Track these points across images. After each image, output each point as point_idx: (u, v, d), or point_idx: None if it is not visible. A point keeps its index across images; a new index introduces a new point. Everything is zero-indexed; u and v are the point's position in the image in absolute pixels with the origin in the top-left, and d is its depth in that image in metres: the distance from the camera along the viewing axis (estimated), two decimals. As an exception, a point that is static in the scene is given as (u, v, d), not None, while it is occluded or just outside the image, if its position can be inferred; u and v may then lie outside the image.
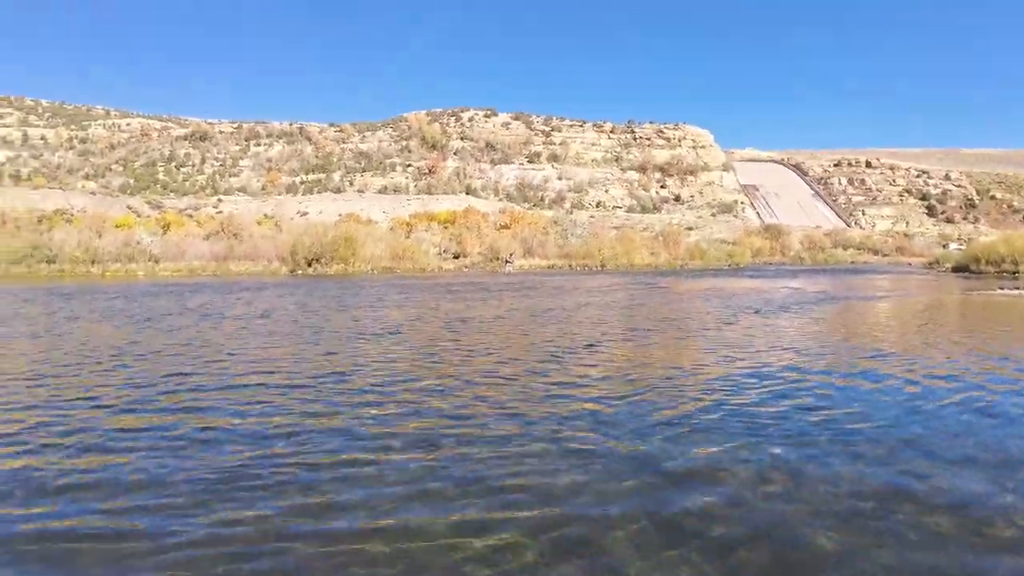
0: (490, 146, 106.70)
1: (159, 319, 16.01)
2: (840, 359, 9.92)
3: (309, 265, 43.08)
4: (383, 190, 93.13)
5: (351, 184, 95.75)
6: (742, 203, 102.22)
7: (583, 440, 5.67)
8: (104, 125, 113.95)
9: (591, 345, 11.34)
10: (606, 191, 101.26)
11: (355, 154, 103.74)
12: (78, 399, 7.52)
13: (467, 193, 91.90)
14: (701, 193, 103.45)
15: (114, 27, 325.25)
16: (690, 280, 34.50)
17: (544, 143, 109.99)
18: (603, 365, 9.46)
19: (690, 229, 77.71)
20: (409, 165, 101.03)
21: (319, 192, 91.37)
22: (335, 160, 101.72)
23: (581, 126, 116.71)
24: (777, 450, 5.41)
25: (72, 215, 54.16)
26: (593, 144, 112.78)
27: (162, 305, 19.58)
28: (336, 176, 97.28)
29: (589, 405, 6.92)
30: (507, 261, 46.06)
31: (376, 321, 15.20)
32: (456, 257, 53.40)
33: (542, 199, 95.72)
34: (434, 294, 23.58)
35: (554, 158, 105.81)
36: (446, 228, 62.38)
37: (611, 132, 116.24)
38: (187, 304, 19.98)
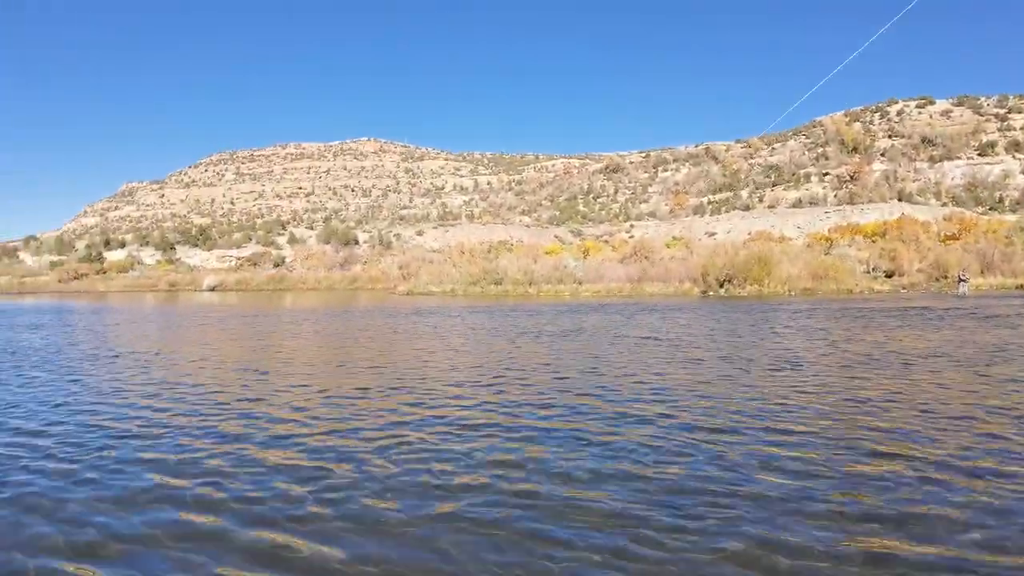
0: (927, 141, 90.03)
1: (573, 335, 16.31)
2: None
3: (721, 286, 41.05)
4: (796, 203, 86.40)
5: (760, 200, 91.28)
6: None
7: None
8: (534, 168, 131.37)
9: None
10: (1104, 182, 77.03)
11: (764, 168, 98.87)
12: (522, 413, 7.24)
13: (899, 199, 79.12)
14: None
15: (531, 83, 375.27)
16: None
17: (999, 129, 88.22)
18: None
19: None
20: (826, 173, 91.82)
21: (726, 211, 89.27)
22: (742, 177, 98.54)
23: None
24: None
25: (512, 245, 62.37)
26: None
27: (578, 322, 20.05)
28: (744, 193, 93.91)
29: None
30: (960, 279, 37.13)
31: (779, 351, 12.69)
32: (889, 276, 45.65)
33: (1001, 200, 77.01)
34: (854, 320, 19.22)
35: (1016, 147, 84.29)
36: (874, 242, 54.17)
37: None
38: (601, 322, 20.08)
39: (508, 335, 17.04)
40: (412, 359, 13.04)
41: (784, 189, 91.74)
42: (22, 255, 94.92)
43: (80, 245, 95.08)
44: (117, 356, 13.87)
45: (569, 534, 4.20)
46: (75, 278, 77.34)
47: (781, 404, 7.87)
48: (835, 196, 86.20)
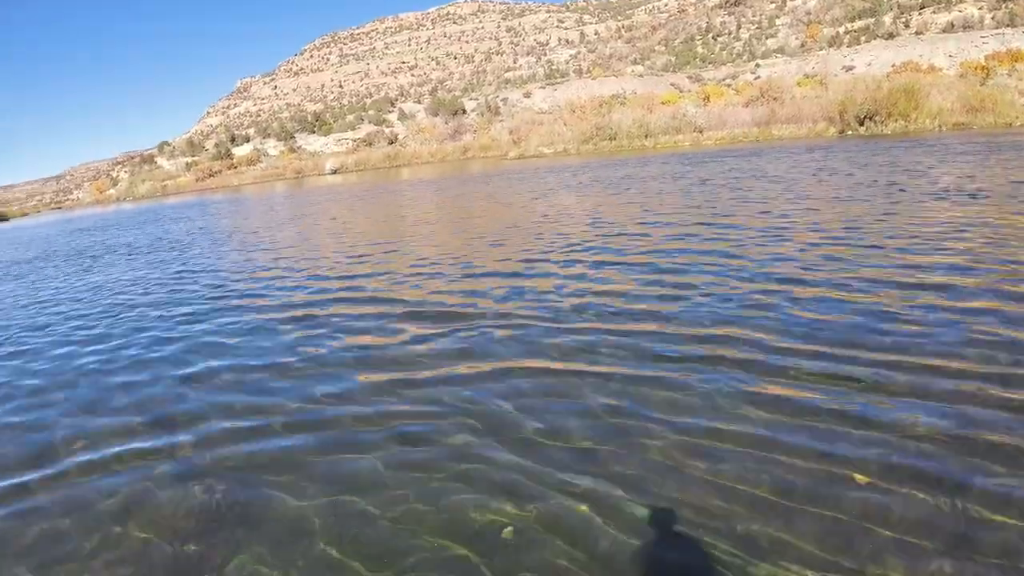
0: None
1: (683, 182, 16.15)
2: None
3: (861, 124, 36.93)
4: (948, 28, 74.69)
5: (906, 26, 79.69)
6: None
7: None
8: (645, 10, 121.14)
9: None
10: None
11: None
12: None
13: (1074, 16, 66.32)
14: None
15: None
16: None
17: None
18: None
19: None
20: (985, -11, 78.31)
21: (866, 41, 79.01)
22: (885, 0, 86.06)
23: None
24: None
25: (625, 98, 58.67)
26: None
27: (694, 171, 18.70)
28: (887, 19, 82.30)
29: None
30: None
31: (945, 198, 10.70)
32: (1059, 108, 38.91)
33: None
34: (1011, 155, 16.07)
35: None
36: (1038, 69, 46.17)
37: None
38: (720, 169, 18.60)
39: (615, 186, 16.89)
40: (528, 214, 13.45)
41: (933, 12, 79.26)
42: (159, 160, 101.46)
43: (209, 144, 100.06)
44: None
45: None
46: (210, 176, 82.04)
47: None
48: (993, 18, 73.50)
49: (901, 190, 11.07)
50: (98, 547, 3.34)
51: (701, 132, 42.49)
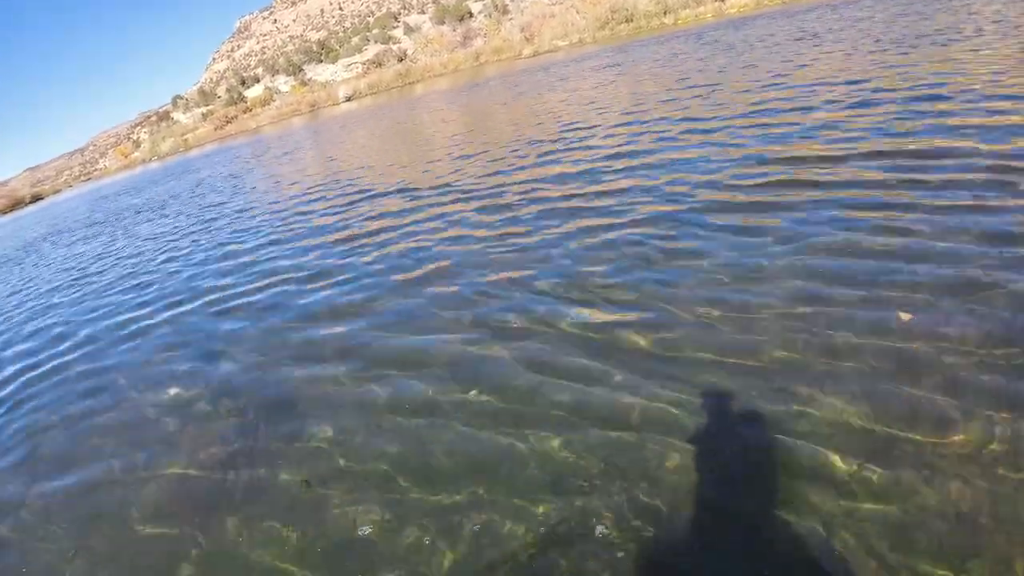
0: None
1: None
2: None
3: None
4: None
5: None
6: None
7: None
8: None
9: None
10: None
11: None
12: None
13: None
14: None
15: None
16: None
17: None
18: None
19: None
20: None
21: None
22: None
23: None
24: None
25: (638, -26, 55.09)
26: None
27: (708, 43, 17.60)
28: None
29: None
30: None
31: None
32: None
33: None
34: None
35: None
36: None
37: None
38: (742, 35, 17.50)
39: (626, 69, 16.16)
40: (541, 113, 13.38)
41: None
42: (175, 116, 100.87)
43: (220, 91, 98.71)
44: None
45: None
46: (227, 122, 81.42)
47: None
48: None
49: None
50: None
51: (723, 0, 39.85)
